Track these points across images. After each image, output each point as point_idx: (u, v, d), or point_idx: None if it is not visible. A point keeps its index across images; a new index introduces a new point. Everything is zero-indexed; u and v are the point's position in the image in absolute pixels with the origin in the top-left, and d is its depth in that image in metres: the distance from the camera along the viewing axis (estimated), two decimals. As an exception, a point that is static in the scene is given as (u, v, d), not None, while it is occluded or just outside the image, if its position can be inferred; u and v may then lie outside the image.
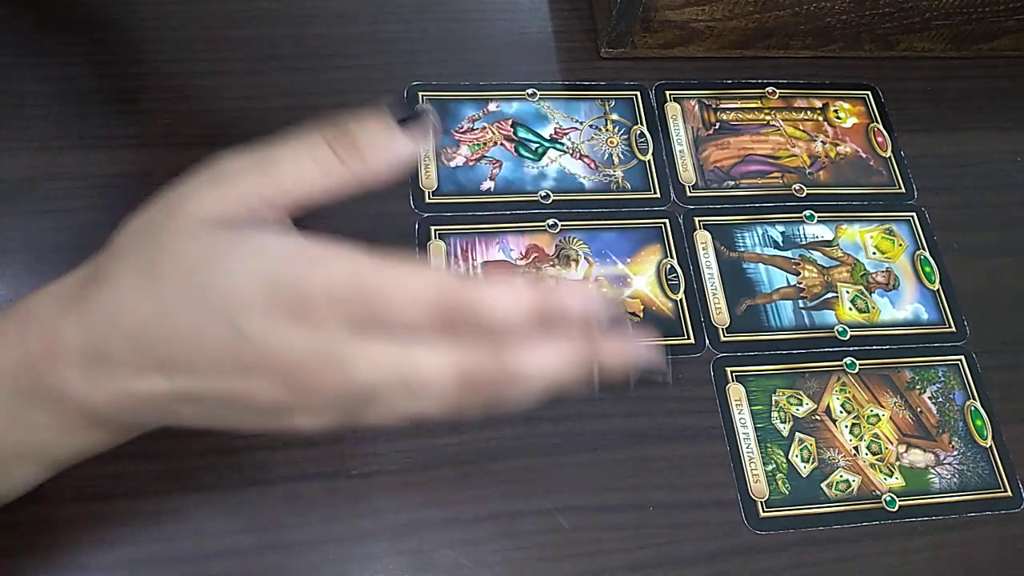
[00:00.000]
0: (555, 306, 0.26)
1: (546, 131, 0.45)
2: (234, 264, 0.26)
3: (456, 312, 0.26)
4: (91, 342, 0.27)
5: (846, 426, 0.39)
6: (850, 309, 0.42)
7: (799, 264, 0.43)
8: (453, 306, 0.26)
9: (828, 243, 0.44)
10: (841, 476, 0.38)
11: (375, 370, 0.26)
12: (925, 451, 0.39)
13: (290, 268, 0.26)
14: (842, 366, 0.40)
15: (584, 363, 0.27)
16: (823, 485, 0.38)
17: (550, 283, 0.30)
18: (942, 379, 0.41)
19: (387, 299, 0.26)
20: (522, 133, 0.44)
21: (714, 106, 0.47)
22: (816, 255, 0.43)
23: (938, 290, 0.43)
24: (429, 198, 0.42)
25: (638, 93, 0.46)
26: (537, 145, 0.44)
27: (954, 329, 0.42)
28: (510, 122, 0.44)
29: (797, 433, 0.39)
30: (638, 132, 0.45)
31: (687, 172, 0.44)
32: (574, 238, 0.42)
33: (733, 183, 0.45)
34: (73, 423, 0.27)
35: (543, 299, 0.26)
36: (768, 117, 0.47)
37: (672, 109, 0.46)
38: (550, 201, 0.42)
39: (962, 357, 0.42)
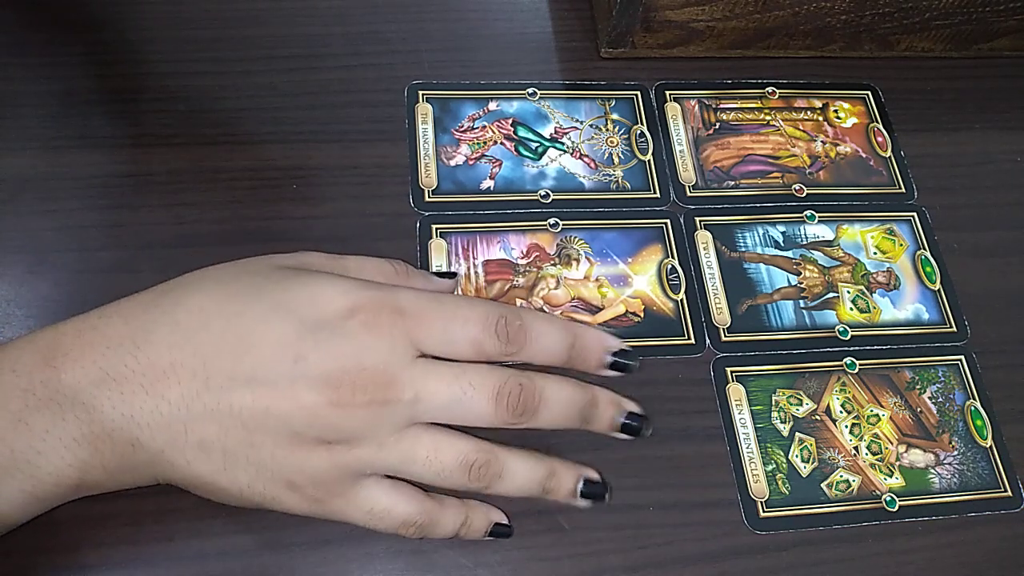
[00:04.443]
0: (578, 351, 0.32)
1: (546, 130, 0.44)
2: None
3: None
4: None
5: (846, 426, 0.39)
6: (851, 309, 0.42)
7: (800, 264, 0.43)
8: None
9: (829, 243, 0.44)
10: (841, 476, 0.38)
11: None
12: (925, 451, 0.39)
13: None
14: (842, 366, 0.40)
15: (581, 407, 0.32)
16: (823, 485, 0.38)
17: (578, 327, 0.33)
18: (942, 379, 0.41)
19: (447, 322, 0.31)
20: (522, 132, 0.44)
21: (714, 106, 0.47)
22: (817, 255, 0.43)
23: (939, 290, 0.43)
24: (428, 197, 0.42)
25: (638, 93, 0.46)
26: (537, 144, 0.44)
27: (955, 329, 0.42)
28: (510, 121, 0.44)
29: (797, 433, 0.39)
30: (638, 132, 0.45)
31: (687, 172, 0.44)
32: (575, 237, 0.42)
33: (733, 183, 0.45)
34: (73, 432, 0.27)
35: (572, 343, 0.32)
36: (768, 117, 0.47)
37: (672, 109, 0.46)
38: (550, 200, 0.42)
39: (962, 357, 0.42)
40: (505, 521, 0.34)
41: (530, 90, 0.45)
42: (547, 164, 0.44)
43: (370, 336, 0.29)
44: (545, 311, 0.40)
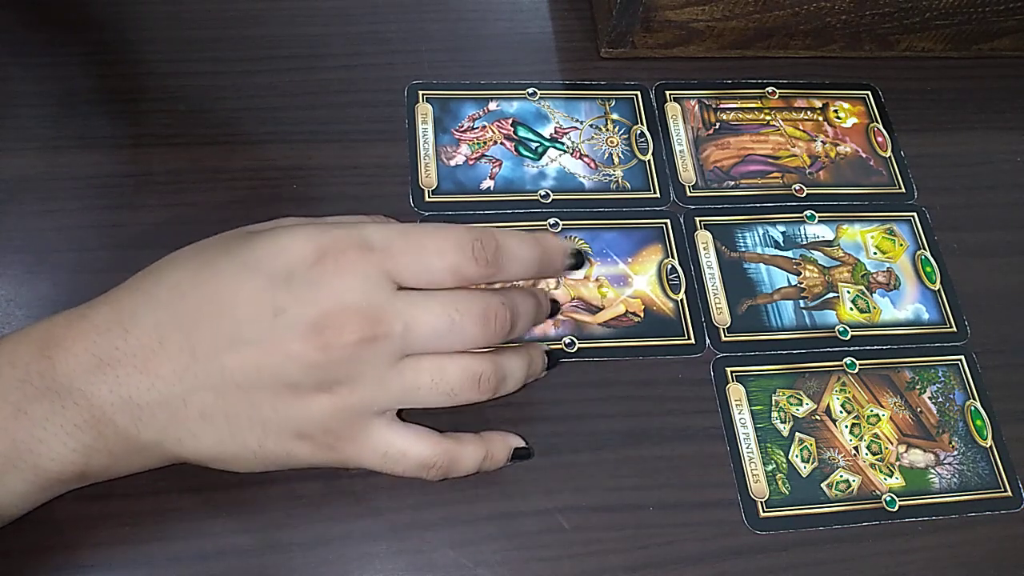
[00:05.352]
0: (545, 261, 0.32)
1: (546, 130, 0.45)
2: None
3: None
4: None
5: (846, 426, 0.39)
6: (851, 309, 0.42)
7: (800, 264, 0.43)
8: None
9: (829, 243, 0.44)
10: (841, 476, 0.38)
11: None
12: (925, 451, 0.39)
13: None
14: (842, 366, 0.40)
15: (539, 311, 0.34)
16: (823, 485, 0.38)
17: (541, 237, 0.33)
18: (942, 379, 0.41)
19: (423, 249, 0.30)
20: (522, 132, 0.44)
21: (714, 106, 0.47)
22: (817, 255, 0.43)
23: (939, 290, 0.43)
24: (428, 197, 0.42)
25: (638, 93, 0.46)
26: (537, 144, 0.44)
27: (955, 329, 0.42)
28: (510, 121, 0.44)
29: (797, 433, 0.39)
30: (638, 132, 0.45)
31: (687, 172, 0.44)
32: (575, 237, 0.42)
33: (733, 183, 0.45)
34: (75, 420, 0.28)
35: (541, 255, 0.32)
36: (768, 117, 0.47)
37: (672, 109, 0.46)
38: (550, 200, 0.42)
39: (962, 357, 0.42)
40: (523, 444, 0.34)
41: (530, 90, 0.45)
42: (547, 164, 0.44)
43: (344, 276, 0.29)
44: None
